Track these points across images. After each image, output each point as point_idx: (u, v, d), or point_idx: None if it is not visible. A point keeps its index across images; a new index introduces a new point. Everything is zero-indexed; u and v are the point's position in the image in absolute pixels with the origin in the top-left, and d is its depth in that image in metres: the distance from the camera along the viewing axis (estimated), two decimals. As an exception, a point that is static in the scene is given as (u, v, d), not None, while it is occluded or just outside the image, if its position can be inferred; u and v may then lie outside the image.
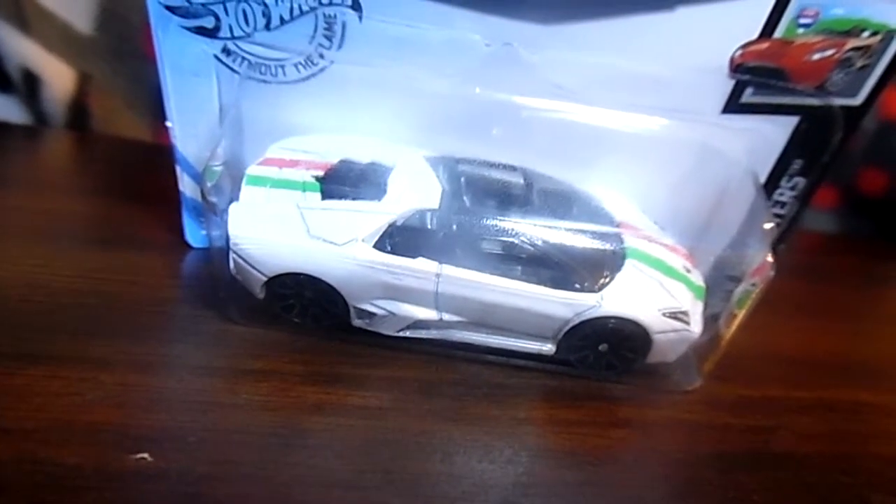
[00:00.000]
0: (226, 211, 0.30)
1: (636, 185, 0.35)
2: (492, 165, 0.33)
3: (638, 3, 0.29)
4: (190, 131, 0.35)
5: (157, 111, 0.34)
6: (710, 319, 0.32)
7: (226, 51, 0.32)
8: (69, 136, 0.52)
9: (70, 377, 0.26)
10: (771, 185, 0.35)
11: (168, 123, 0.35)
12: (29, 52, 0.50)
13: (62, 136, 0.52)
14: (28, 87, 0.52)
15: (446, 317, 0.30)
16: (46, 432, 0.25)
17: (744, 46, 0.30)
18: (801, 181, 0.34)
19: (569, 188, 0.34)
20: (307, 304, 0.31)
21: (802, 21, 0.29)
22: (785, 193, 0.35)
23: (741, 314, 0.31)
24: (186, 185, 0.37)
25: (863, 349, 0.42)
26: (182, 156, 0.36)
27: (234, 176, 0.33)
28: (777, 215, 0.36)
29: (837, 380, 0.37)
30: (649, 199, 0.35)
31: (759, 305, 0.38)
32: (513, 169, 0.33)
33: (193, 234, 0.38)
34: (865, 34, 0.30)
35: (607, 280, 0.30)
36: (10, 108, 0.51)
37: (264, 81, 0.33)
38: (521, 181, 0.33)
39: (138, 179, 0.43)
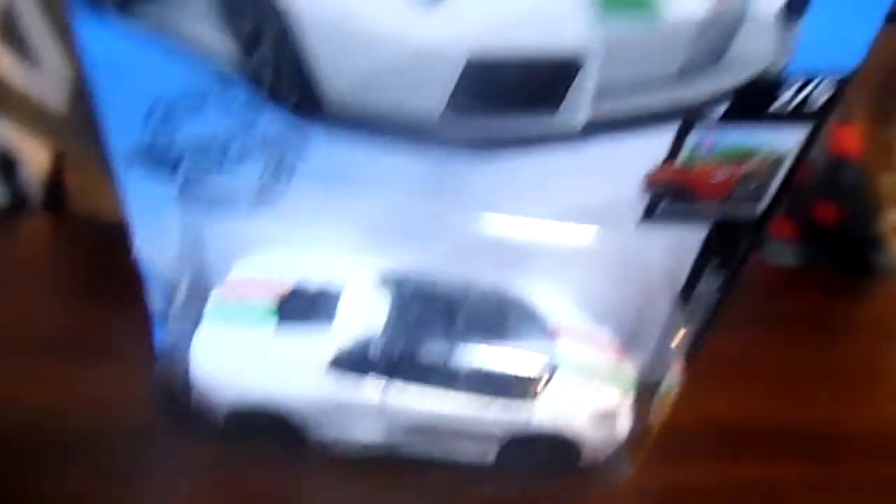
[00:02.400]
0: (187, 345, 0.33)
1: (571, 287, 0.38)
2: (435, 277, 0.36)
3: (553, 139, 0.32)
4: (157, 258, 0.38)
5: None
6: (642, 409, 0.36)
7: (185, 187, 0.35)
8: (42, 221, 0.54)
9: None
10: (694, 278, 0.38)
11: (135, 252, 0.38)
12: (3, 134, 0.52)
13: (35, 223, 0.54)
14: (4, 168, 0.54)
15: (394, 433, 0.33)
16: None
17: (652, 171, 0.33)
18: (719, 276, 0.38)
19: (507, 295, 0.37)
20: (266, 426, 0.33)
21: (701, 149, 0.32)
22: (707, 286, 0.38)
23: (666, 404, 0.34)
24: (157, 303, 0.40)
25: (798, 412, 0.43)
26: (152, 278, 0.39)
27: (203, 300, 0.36)
28: (702, 306, 0.39)
29: (766, 452, 0.39)
30: (584, 298, 0.38)
31: (703, 370, 0.41)
32: (454, 280, 0.36)
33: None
34: (758, 159, 0.33)
35: (539, 391, 0.33)
36: None
37: (223, 211, 0.36)
38: (462, 292, 0.36)
39: (113, 272, 0.41)
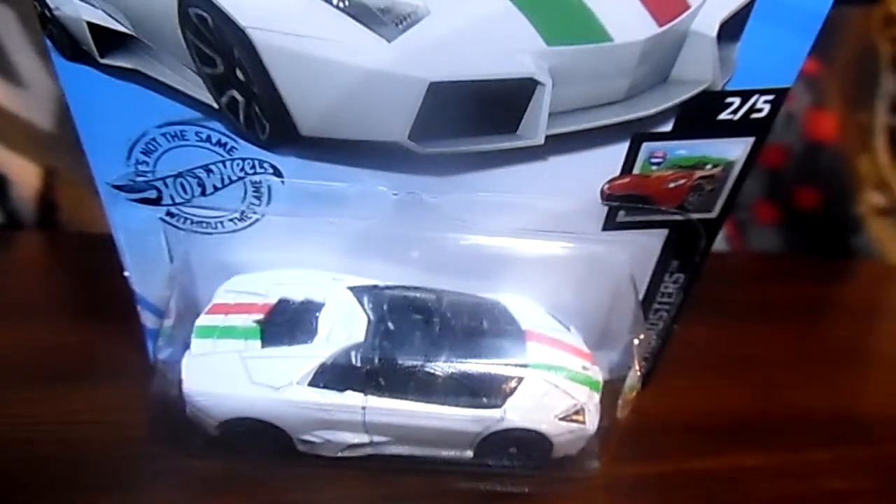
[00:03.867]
0: (178, 364, 0.35)
1: (540, 293, 0.40)
2: (411, 289, 0.38)
3: (514, 156, 0.34)
4: (147, 278, 0.40)
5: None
6: (609, 406, 0.38)
7: (170, 213, 0.37)
8: (35, 239, 0.55)
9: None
10: (656, 281, 0.40)
11: (126, 273, 0.40)
12: (-5, 155, 0.54)
13: (28, 241, 0.55)
14: (-3, 188, 0.55)
15: (376, 438, 0.35)
16: None
17: (610, 181, 0.35)
18: (680, 276, 0.40)
19: (479, 302, 0.39)
20: (257, 438, 0.35)
21: (654, 160, 0.34)
22: (669, 286, 0.40)
23: (631, 401, 0.36)
24: (148, 319, 0.42)
25: (768, 403, 0.45)
26: (142, 297, 0.41)
27: (193, 317, 0.38)
28: (666, 303, 0.41)
29: (730, 443, 0.41)
30: (553, 303, 0.41)
31: (676, 363, 0.43)
32: (429, 291, 0.39)
33: (158, 360, 0.43)
34: (709, 166, 0.35)
35: (510, 394, 0.35)
36: None
37: (207, 234, 0.38)
38: (437, 302, 0.38)
39: (107, 289, 0.42)
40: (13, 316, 0.45)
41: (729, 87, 0.32)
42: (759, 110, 0.33)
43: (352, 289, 0.38)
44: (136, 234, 0.38)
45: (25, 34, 0.51)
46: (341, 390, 0.34)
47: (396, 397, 0.34)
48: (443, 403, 0.34)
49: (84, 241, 0.53)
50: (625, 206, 0.36)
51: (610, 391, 0.37)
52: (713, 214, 0.37)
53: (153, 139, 0.34)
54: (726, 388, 0.46)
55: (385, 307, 0.37)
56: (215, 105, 0.33)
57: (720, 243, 0.69)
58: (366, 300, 0.37)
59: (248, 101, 0.33)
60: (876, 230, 0.70)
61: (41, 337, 0.44)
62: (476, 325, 0.37)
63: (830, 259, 0.68)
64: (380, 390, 0.34)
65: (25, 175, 0.55)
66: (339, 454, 0.36)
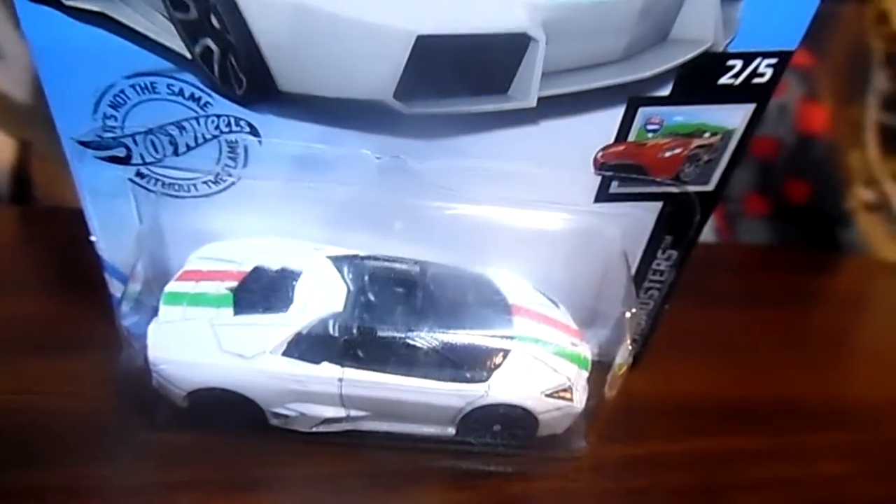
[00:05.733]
0: (145, 331, 0.33)
1: (529, 267, 0.39)
2: (393, 260, 0.37)
3: (505, 119, 0.33)
4: (114, 244, 0.38)
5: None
6: (598, 384, 0.36)
7: (139, 174, 0.35)
8: (7, 213, 0.53)
9: (7, 513, 0.29)
10: (648, 257, 0.39)
11: (92, 238, 0.37)
12: (-33, 127, 0.52)
13: (1, 214, 0.53)
14: (-31, 161, 0.53)
15: (353, 413, 0.34)
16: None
17: (604, 149, 0.34)
18: (673, 253, 0.38)
19: (465, 275, 0.37)
20: (226, 410, 0.33)
21: (650, 127, 0.33)
22: (662, 263, 0.39)
23: (620, 379, 0.35)
24: (117, 289, 0.40)
25: (758, 387, 0.44)
26: (110, 264, 0.39)
27: (162, 285, 0.36)
28: (658, 281, 0.40)
29: (720, 425, 0.40)
30: (542, 277, 0.39)
31: (666, 346, 0.42)
32: (413, 263, 0.37)
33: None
34: (707, 135, 0.33)
35: (495, 368, 0.33)
36: None
37: (179, 197, 0.36)
38: (420, 274, 0.36)
39: (78, 262, 0.40)
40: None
41: (731, 49, 0.30)
42: (762, 75, 0.31)
43: (331, 258, 0.36)
44: (103, 195, 0.36)
45: (1, 4, 0.49)
46: (317, 361, 0.32)
47: (375, 370, 0.33)
48: (424, 377, 0.33)
49: (56, 215, 0.51)
50: (618, 175, 0.35)
51: (598, 370, 0.36)
52: (709, 187, 0.36)
53: (122, 91, 0.32)
54: (716, 373, 0.45)
55: (366, 278, 0.35)
56: (188, 55, 0.31)
57: (709, 235, 0.69)
58: (346, 270, 0.35)
59: (224, 51, 0.31)
60: (865, 225, 0.70)
61: (7, 309, 0.42)
62: (461, 299, 0.36)
63: (820, 251, 0.68)
64: (358, 362, 0.32)
65: (0, 148, 0.53)
66: (314, 429, 0.34)
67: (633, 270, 0.39)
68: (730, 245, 0.70)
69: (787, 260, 0.68)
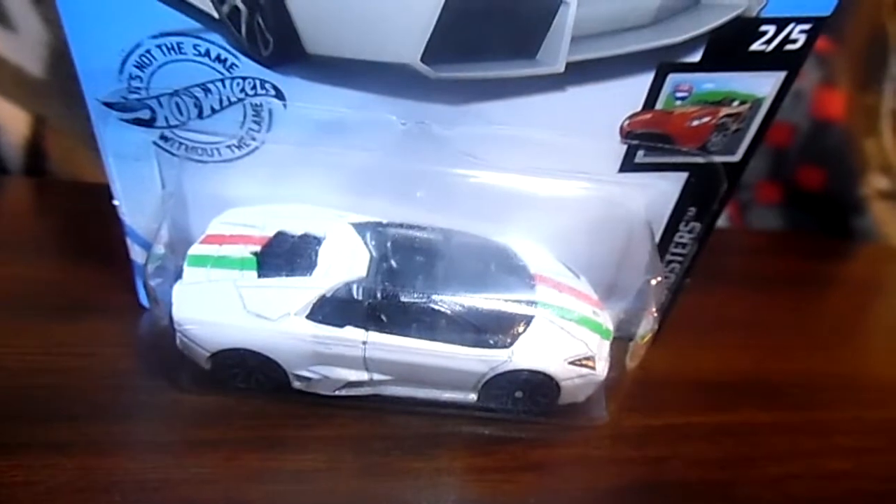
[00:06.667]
0: (169, 293, 0.33)
1: (551, 237, 0.39)
2: (416, 228, 0.37)
3: (532, 84, 0.32)
4: (137, 208, 0.38)
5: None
6: (619, 355, 0.36)
7: (163, 137, 0.35)
8: (24, 184, 0.54)
9: (33, 465, 0.29)
10: (671, 229, 0.39)
11: (115, 202, 0.37)
12: (-19, 100, 0.52)
13: (17, 186, 0.54)
14: (-17, 134, 0.53)
15: (376, 377, 0.34)
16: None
17: (630, 117, 0.34)
18: (697, 225, 0.38)
19: (487, 244, 0.37)
20: (250, 372, 0.34)
21: (679, 95, 0.33)
22: (684, 236, 0.39)
23: (643, 349, 0.35)
24: (137, 254, 0.40)
25: (775, 365, 0.45)
26: (131, 229, 0.39)
27: (183, 250, 0.36)
28: (679, 254, 0.40)
29: (738, 400, 0.40)
30: (563, 248, 0.39)
31: (683, 323, 0.42)
32: (435, 231, 0.37)
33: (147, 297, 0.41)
34: (735, 103, 0.33)
35: (518, 335, 0.33)
36: None
37: (202, 161, 0.36)
38: (443, 242, 0.36)
39: (96, 231, 0.42)
40: (5, 255, 0.43)
41: (764, 14, 0.30)
42: (794, 41, 0.31)
43: (354, 225, 0.36)
44: (126, 159, 0.36)
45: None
46: (341, 325, 0.32)
47: (399, 334, 0.33)
48: (448, 342, 0.33)
49: (74, 188, 0.52)
50: (644, 144, 0.35)
51: (617, 343, 0.36)
52: (736, 158, 0.35)
53: (148, 51, 0.32)
54: (733, 350, 0.45)
55: (389, 245, 0.35)
56: (215, 14, 0.30)
57: (720, 222, 0.69)
58: (368, 236, 0.35)
59: (252, 11, 0.30)
60: (878, 213, 0.69)
61: (28, 273, 0.42)
62: (483, 267, 0.36)
63: (833, 238, 0.68)
64: (382, 326, 0.33)
65: (14, 122, 0.53)
66: (337, 392, 0.34)
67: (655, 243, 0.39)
68: (743, 230, 0.70)
69: (802, 245, 0.68)
